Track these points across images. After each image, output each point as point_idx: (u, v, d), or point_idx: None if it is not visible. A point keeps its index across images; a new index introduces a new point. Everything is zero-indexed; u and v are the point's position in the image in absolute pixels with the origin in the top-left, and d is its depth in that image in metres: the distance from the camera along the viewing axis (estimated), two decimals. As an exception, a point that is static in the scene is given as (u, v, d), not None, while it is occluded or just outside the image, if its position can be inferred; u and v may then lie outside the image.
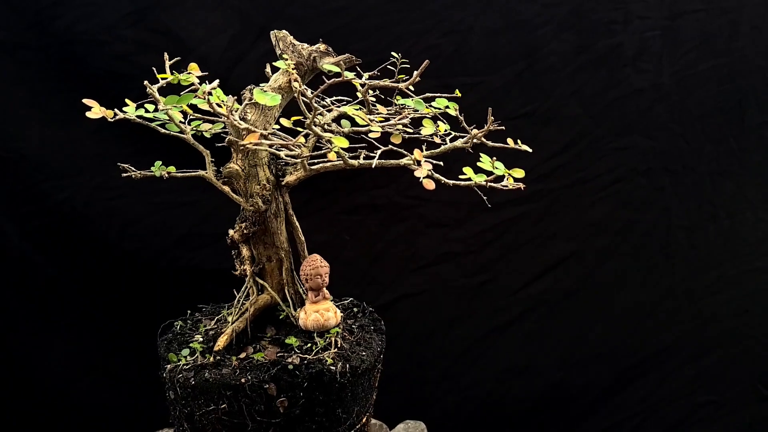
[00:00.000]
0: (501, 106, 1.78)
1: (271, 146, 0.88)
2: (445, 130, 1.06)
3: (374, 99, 1.12)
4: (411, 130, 1.06)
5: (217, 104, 0.88)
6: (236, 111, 0.91)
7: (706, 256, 1.89)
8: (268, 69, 1.11)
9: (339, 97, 1.16)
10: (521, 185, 0.93)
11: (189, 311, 1.23)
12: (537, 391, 1.94)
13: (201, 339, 1.09)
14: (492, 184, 0.92)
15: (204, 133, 1.12)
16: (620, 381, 1.94)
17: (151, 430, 1.42)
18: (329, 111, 1.10)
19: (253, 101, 0.91)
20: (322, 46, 1.05)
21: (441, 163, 0.92)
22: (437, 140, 1.05)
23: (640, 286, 1.90)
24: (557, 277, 1.88)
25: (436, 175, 0.92)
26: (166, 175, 0.99)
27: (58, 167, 1.67)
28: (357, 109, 1.09)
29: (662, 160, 1.83)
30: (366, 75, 1.07)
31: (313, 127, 0.89)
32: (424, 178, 0.88)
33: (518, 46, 1.75)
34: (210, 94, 0.89)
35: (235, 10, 1.65)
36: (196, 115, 1.08)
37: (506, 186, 0.93)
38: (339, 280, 1.80)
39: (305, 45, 1.06)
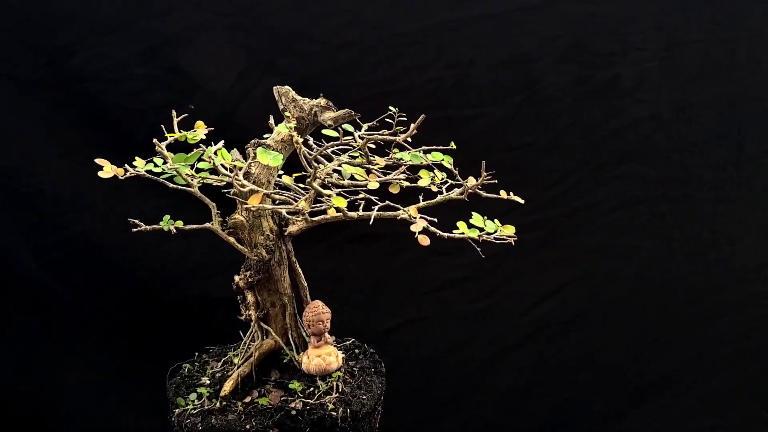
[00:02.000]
0: (502, 136, 1.82)
1: (273, 205, 0.92)
2: (442, 179, 1.10)
3: (373, 146, 1.16)
4: (407, 184, 1.10)
5: (222, 165, 0.93)
6: (241, 169, 0.95)
7: (707, 282, 1.90)
8: (271, 121, 1.15)
9: (338, 145, 1.20)
10: (513, 239, 0.97)
11: (197, 353, 1.27)
12: (540, 415, 1.97)
13: (208, 382, 1.13)
14: (485, 238, 0.96)
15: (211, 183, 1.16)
16: (623, 406, 1.96)
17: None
18: (329, 160, 1.15)
19: (256, 160, 0.96)
20: (322, 101, 1.09)
21: (435, 219, 0.96)
22: (434, 188, 1.09)
23: (641, 312, 1.92)
24: (560, 303, 1.91)
25: (432, 229, 0.96)
26: (174, 230, 1.04)
27: (74, 201, 1.73)
28: (355, 157, 1.14)
29: (662, 188, 1.85)
30: (365, 126, 1.11)
31: (314, 185, 0.93)
32: (419, 233, 0.92)
33: (519, 78, 1.78)
34: (215, 154, 0.93)
35: (242, 47, 1.70)
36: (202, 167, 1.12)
37: (500, 239, 0.96)
38: (344, 307, 1.84)
39: (306, 100, 1.10)
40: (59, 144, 1.70)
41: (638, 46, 1.78)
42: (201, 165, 0.96)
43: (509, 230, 0.95)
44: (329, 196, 0.92)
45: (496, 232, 0.95)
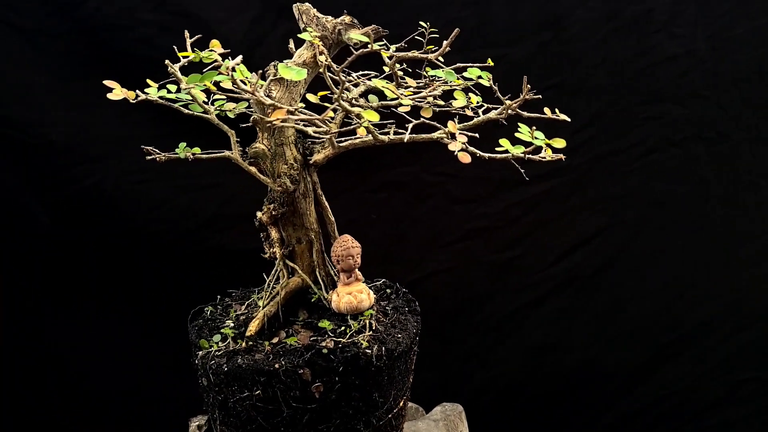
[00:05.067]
0: (526, 78, 1.73)
1: (298, 122, 0.85)
2: (478, 102, 1.01)
3: (402, 72, 1.08)
4: (442, 103, 1.01)
5: (242, 81, 0.85)
6: (261, 87, 0.87)
7: (745, 227, 1.82)
8: (291, 45, 1.07)
9: (366, 72, 1.12)
10: (561, 156, 0.88)
11: (219, 296, 1.21)
12: (569, 369, 1.90)
13: (232, 324, 1.07)
14: (531, 156, 0.88)
15: (228, 113, 1.08)
16: (656, 358, 1.89)
17: (185, 414, 1.41)
18: (356, 86, 1.07)
19: (278, 77, 0.88)
20: (347, 18, 1.01)
21: (477, 135, 0.88)
22: (470, 113, 1.01)
23: (675, 260, 1.84)
24: (589, 252, 1.83)
25: (471, 149, 0.88)
26: (191, 156, 0.97)
27: (85, 152, 1.67)
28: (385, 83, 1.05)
29: (697, 128, 1.76)
30: (393, 47, 1.03)
31: (342, 101, 0.85)
32: (459, 151, 0.84)
33: (543, 15, 1.68)
34: (233, 70, 0.85)
35: None
36: (219, 94, 1.05)
37: (545, 158, 0.88)
38: (366, 259, 1.78)
39: (329, 18, 1.02)
40: (69, 94, 1.63)
41: (672, -24, 1.68)
42: (218, 78, 0.87)
43: (559, 143, 0.87)
44: (359, 114, 0.83)
45: (543, 149, 0.87)
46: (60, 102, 1.63)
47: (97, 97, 1.63)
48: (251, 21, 1.63)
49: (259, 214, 1.07)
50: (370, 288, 1.17)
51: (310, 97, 0.90)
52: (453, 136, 0.85)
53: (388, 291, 1.19)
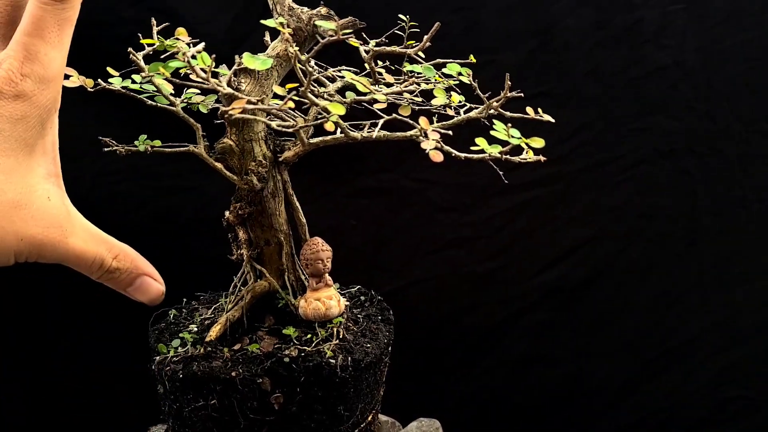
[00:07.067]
0: (515, 85, 1.66)
1: (263, 118, 0.80)
2: (459, 102, 0.97)
3: (384, 69, 1.04)
4: (420, 100, 0.97)
5: (202, 69, 0.80)
6: (224, 77, 0.83)
7: (735, 243, 1.78)
8: (267, 37, 1.03)
9: (345, 67, 1.07)
10: (541, 157, 0.84)
11: (185, 299, 1.16)
12: (554, 383, 1.86)
13: (195, 329, 1.01)
14: (508, 157, 0.83)
15: (199, 106, 1.03)
16: (643, 374, 1.85)
17: (153, 422, 1.36)
18: (333, 81, 1.02)
19: (243, 67, 0.83)
20: (323, 10, 0.97)
21: (450, 132, 0.83)
22: (451, 112, 0.96)
23: (664, 274, 1.80)
24: (575, 264, 1.79)
25: (446, 148, 0.83)
26: (150, 149, 0.92)
27: (62, 153, 1.61)
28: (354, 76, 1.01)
29: (687, 141, 1.73)
30: (373, 42, 0.99)
31: (308, 94, 0.80)
32: (431, 149, 0.79)
33: (533, 23, 1.66)
34: (194, 57, 0.80)
35: None
36: (190, 87, 1.00)
37: (525, 159, 0.84)
38: (346, 267, 1.73)
39: (305, 9, 0.97)
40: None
41: (662, -13, 1.66)
42: (175, 64, 0.83)
43: (538, 143, 0.82)
44: (324, 106, 0.79)
45: (523, 151, 0.82)
46: (35, 101, 1.59)
47: (72, 95, 1.61)
48: (233, 19, 1.59)
49: (226, 213, 1.02)
50: (343, 294, 1.12)
51: (277, 89, 0.86)
52: (426, 134, 0.81)
53: (363, 298, 1.14)
